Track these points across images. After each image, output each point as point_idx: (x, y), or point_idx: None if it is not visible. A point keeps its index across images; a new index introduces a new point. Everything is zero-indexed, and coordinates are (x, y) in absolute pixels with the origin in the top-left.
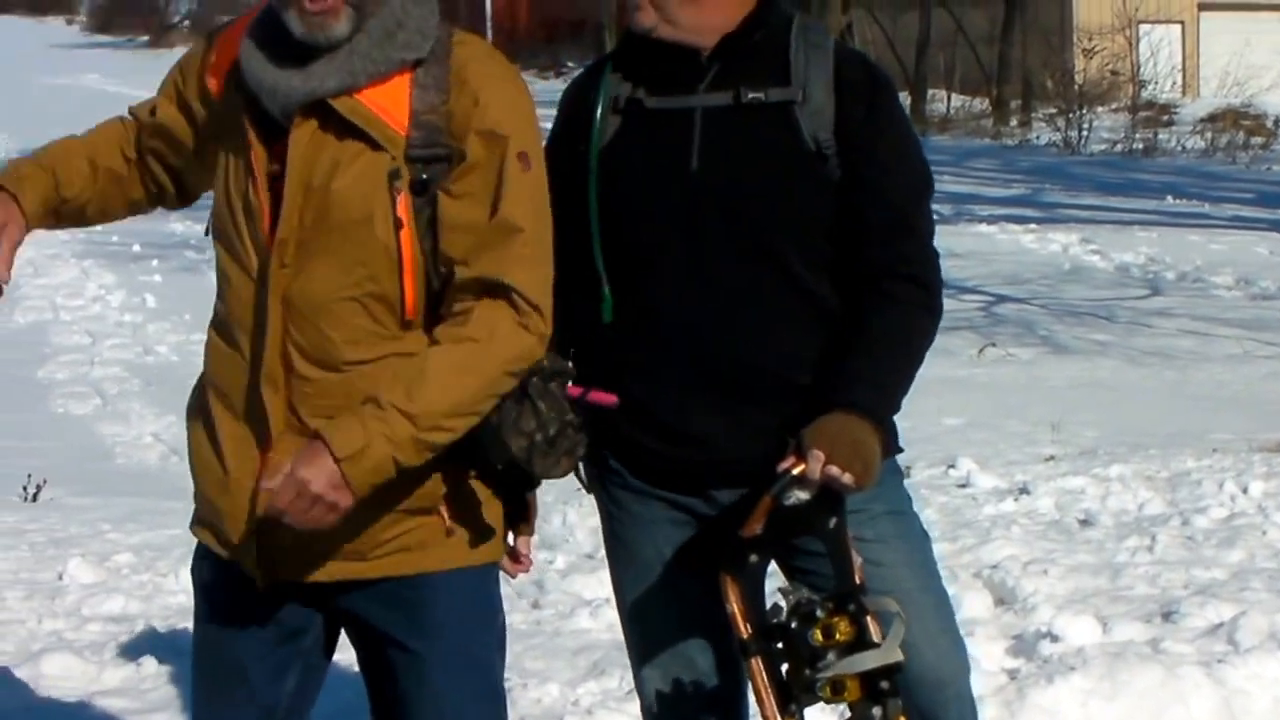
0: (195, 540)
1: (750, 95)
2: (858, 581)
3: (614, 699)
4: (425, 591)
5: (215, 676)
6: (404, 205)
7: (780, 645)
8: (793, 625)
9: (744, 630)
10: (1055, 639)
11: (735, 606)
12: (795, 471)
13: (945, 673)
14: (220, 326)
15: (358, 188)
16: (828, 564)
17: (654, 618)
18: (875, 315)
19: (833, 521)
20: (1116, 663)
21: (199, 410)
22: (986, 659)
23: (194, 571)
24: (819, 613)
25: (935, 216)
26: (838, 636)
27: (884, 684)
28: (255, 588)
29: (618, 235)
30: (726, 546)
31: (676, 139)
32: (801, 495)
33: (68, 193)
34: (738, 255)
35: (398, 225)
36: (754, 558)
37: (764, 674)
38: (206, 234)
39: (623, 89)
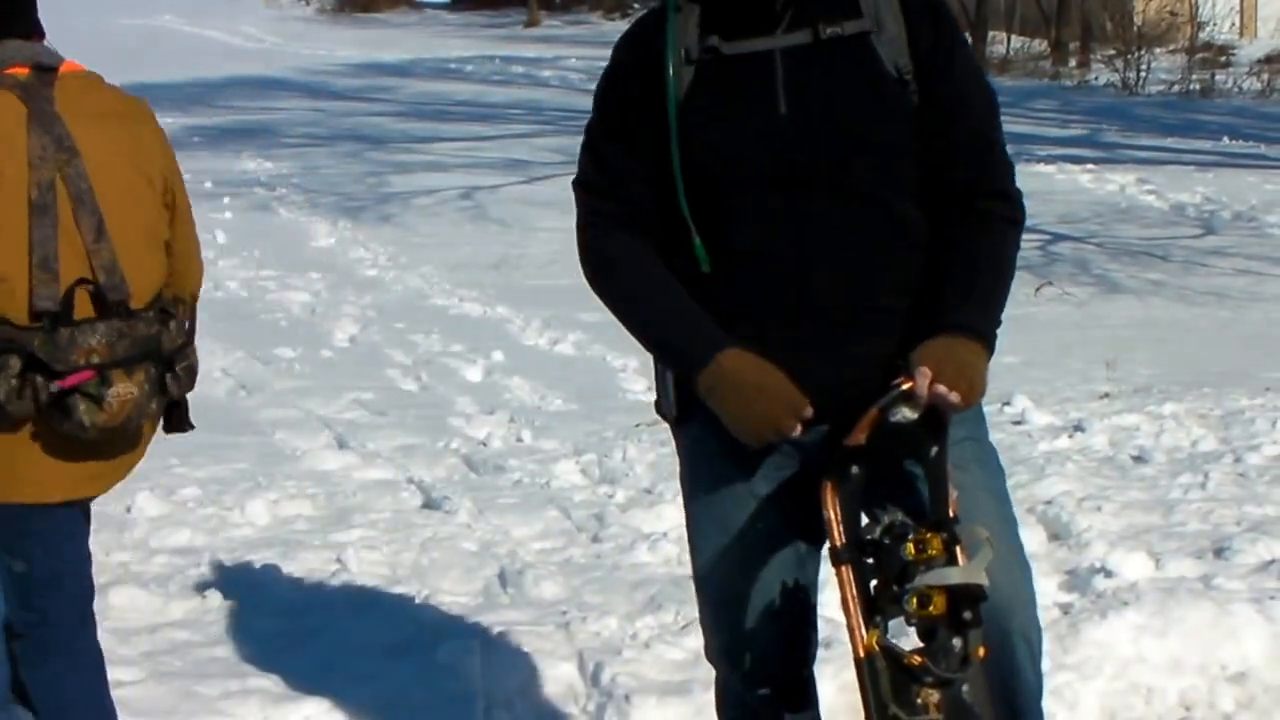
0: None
1: (829, 30)
2: (952, 514)
3: (671, 633)
4: None
5: None
6: None
7: (871, 560)
8: (885, 541)
9: (839, 538)
10: (1108, 574)
11: (833, 513)
12: (904, 388)
13: (1016, 601)
14: None
15: None
16: (915, 499)
17: (729, 546)
18: (970, 235)
19: (934, 450)
20: (1169, 599)
21: None
22: (1040, 594)
23: None
24: (911, 534)
25: None
26: (930, 552)
27: (967, 614)
28: None
29: (707, 186)
30: (831, 457)
31: (759, 84)
32: (909, 414)
33: None
34: (835, 193)
35: None
36: (855, 469)
37: (853, 584)
38: None
39: (691, 37)
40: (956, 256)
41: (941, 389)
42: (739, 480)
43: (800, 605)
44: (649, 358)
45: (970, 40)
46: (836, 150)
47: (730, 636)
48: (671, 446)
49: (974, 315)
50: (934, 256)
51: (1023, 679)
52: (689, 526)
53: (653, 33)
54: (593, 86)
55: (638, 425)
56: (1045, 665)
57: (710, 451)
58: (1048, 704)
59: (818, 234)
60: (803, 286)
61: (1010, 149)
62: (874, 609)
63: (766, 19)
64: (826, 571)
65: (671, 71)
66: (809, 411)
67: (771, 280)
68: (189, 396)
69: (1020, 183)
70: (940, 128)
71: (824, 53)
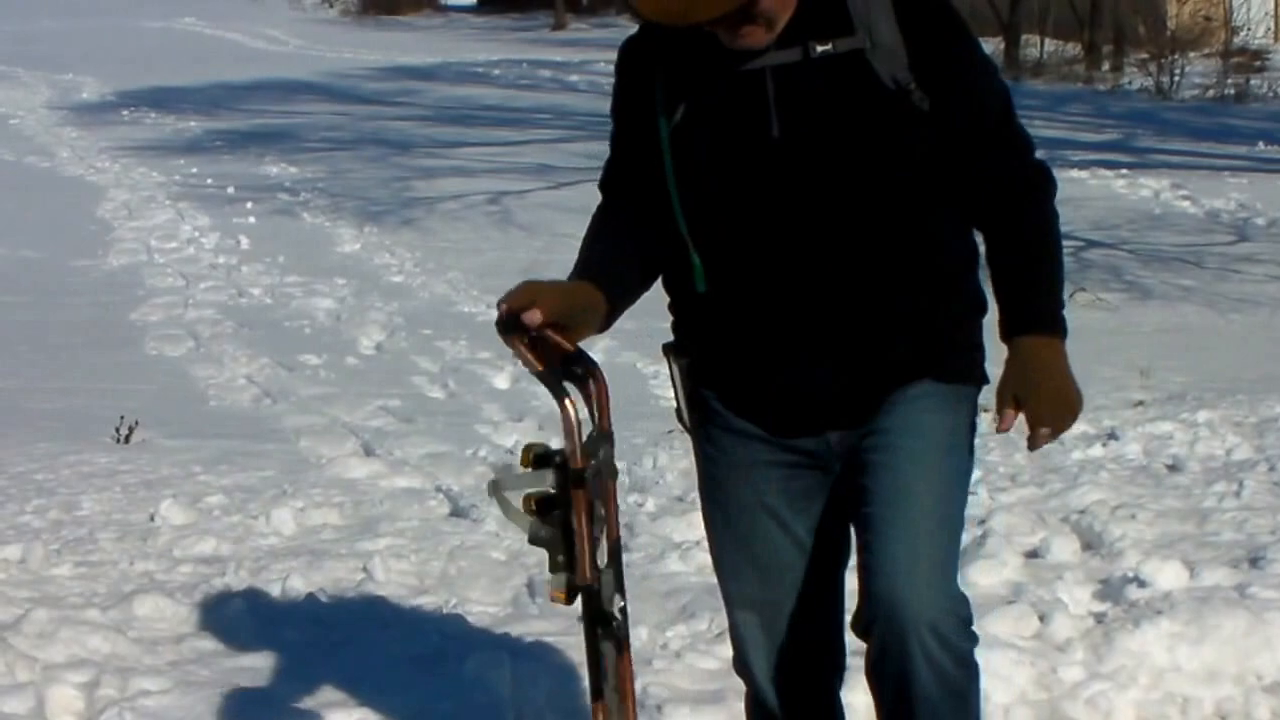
0: (289, 483)
1: (819, 49)
2: None
3: (703, 642)
4: None
5: None
6: None
7: None
8: None
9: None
10: (1142, 584)
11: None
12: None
13: (913, 589)
14: None
15: None
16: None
17: (748, 560)
18: (1014, 229)
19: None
20: (1203, 608)
21: None
22: (1074, 603)
23: None
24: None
25: None
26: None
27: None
28: None
29: (702, 206)
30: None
31: (751, 104)
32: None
33: None
34: (833, 213)
35: None
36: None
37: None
38: None
39: (683, 55)
40: (1008, 253)
41: (1046, 433)
42: (749, 491)
43: (822, 618)
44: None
45: (1004, 46)
46: (831, 171)
47: (750, 649)
48: None
49: (1046, 313)
50: (986, 250)
51: (916, 686)
52: (707, 537)
53: (645, 47)
54: None
55: (669, 432)
56: (1078, 674)
57: (722, 461)
58: (1082, 713)
59: (817, 256)
60: (805, 309)
61: (1043, 154)
62: None
63: None
64: (852, 585)
65: (662, 92)
66: (535, 315)
67: (772, 302)
68: (215, 403)
69: None
70: (959, 129)
71: (816, 72)
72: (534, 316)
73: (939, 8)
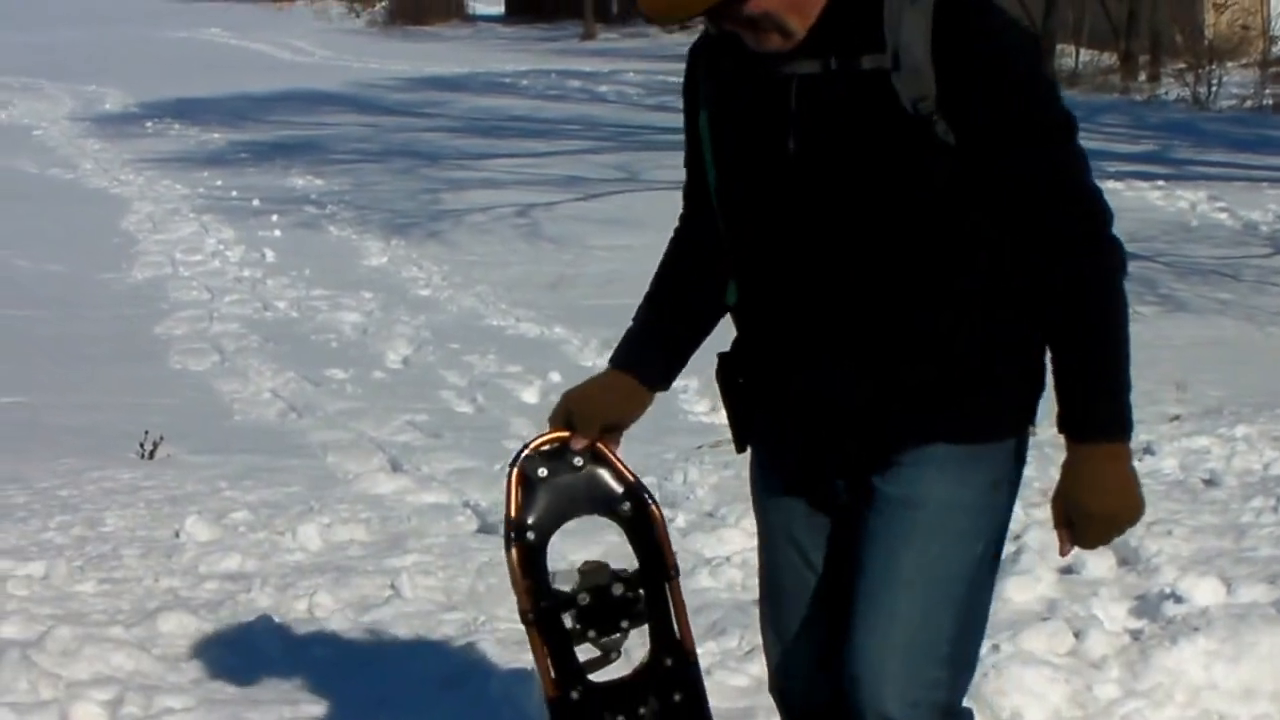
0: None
1: (838, 63)
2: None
3: (734, 659)
4: None
5: None
6: None
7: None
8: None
9: (523, 603)
10: (1179, 600)
11: (517, 575)
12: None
13: (882, 679)
14: None
15: None
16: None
17: (777, 587)
18: (1072, 313)
19: (626, 505)
20: (1240, 625)
21: None
22: (1109, 620)
23: None
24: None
25: None
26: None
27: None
28: None
29: (731, 213)
30: (511, 526)
31: (774, 114)
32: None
33: None
34: (844, 229)
35: None
36: (531, 535)
37: (541, 643)
38: None
39: (725, 58)
40: (1059, 336)
41: (1093, 550)
42: (780, 516)
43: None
44: (710, 379)
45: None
46: (842, 189)
47: (778, 676)
48: (734, 469)
49: (1095, 410)
50: (1041, 325)
51: None
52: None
53: (700, 45)
54: (651, 101)
55: (699, 447)
56: (1113, 692)
57: (759, 485)
58: None
59: (827, 267)
60: (814, 318)
61: None
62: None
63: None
64: None
65: (704, 94)
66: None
67: (784, 310)
68: (240, 418)
69: None
70: (991, 165)
71: (837, 86)
72: (579, 444)
73: (980, 32)
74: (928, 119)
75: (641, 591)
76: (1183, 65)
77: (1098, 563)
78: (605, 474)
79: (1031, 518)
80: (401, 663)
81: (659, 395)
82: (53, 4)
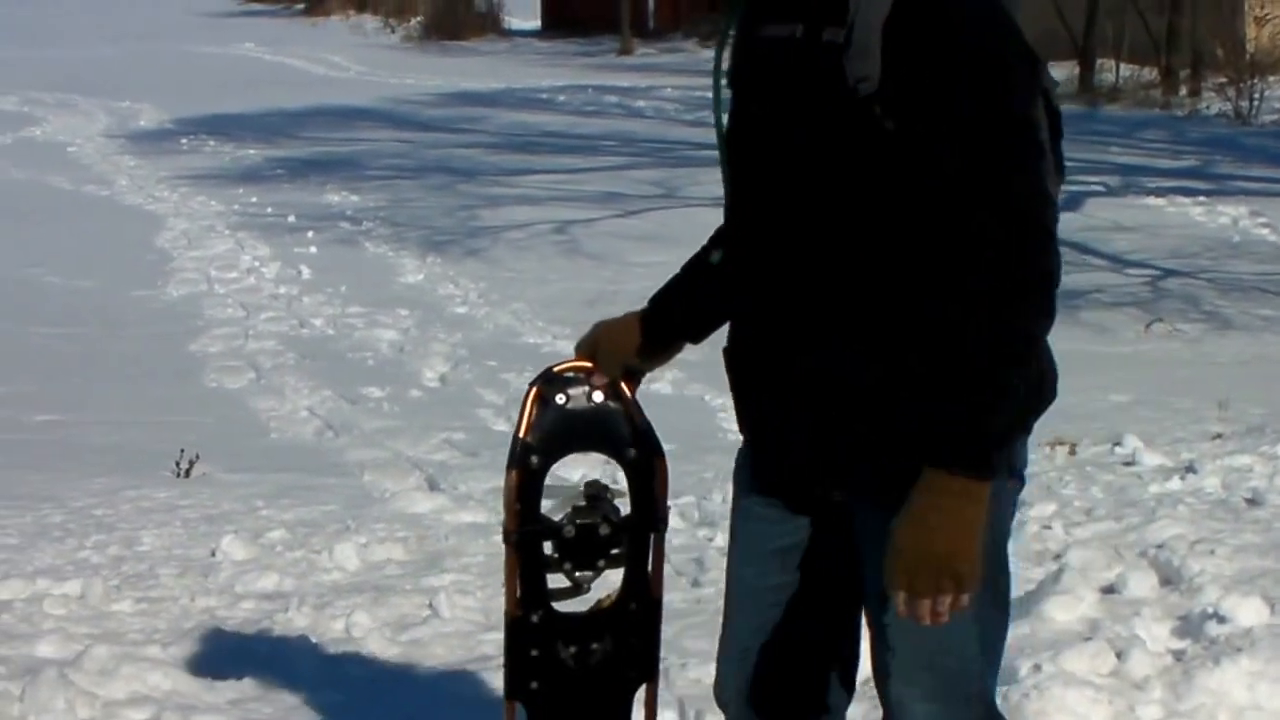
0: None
1: (803, 32)
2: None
3: None
4: None
5: None
6: None
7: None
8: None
9: (510, 523)
10: (1222, 620)
11: (512, 497)
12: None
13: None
14: None
15: None
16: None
17: (740, 604)
18: (949, 323)
19: (632, 451)
20: None
21: None
22: (1152, 640)
23: None
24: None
25: (1102, 188)
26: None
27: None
28: None
29: (723, 171)
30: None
31: (749, 75)
32: (596, 399)
33: None
34: (790, 202)
35: None
36: (535, 459)
37: (515, 565)
38: None
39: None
40: (953, 343)
41: (923, 611)
42: (758, 527)
43: (815, 662)
44: None
45: (1079, 70)
46: (791, 168)
47: (719, 688)
48: None
49: (957, 432)
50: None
51: None
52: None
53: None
54: (689, 117)
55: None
56: (1156, 713)
57: (744, 487)
58: None
59: (770, 246)
60: (758, 298)
61: (1119, 180)
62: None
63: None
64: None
65: (717, 68)
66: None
67: (739, 283)
68: (276, 436)
69: (1130, 216)
70: (920, 162)
71: (798, 57)
72: (600, 380)
73: (940, 11)
74: (867, 102)
75: (625, 536)
76: (1224, 80)
77: (1140, 582)
78: (619, 414)
79: (1073, 537)
80: (439, 683)
81: (695, 413)
82: (85, 20)
